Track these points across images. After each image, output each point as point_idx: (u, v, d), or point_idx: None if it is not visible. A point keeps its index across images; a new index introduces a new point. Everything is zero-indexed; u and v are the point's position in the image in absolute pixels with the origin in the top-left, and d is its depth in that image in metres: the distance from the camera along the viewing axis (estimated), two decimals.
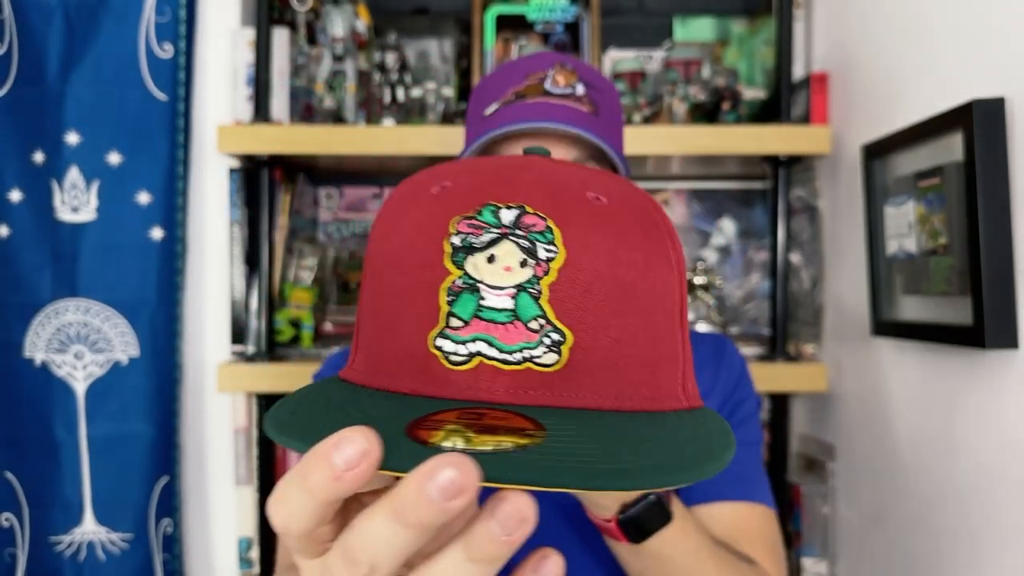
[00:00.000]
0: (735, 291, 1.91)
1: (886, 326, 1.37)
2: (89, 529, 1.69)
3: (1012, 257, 1.05)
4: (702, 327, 1.70)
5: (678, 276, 0.51)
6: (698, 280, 1.77)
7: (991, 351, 1.09)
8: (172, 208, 1.70)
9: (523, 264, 0.45)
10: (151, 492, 1.70)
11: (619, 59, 1.82)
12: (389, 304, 0.49)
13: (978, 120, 1.06)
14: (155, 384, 1.70)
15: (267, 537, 1.64)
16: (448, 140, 1.58)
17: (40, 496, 1.69)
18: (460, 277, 0.46)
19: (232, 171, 1.69)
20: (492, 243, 0.46)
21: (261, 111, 1.59)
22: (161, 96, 1.70)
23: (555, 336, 0.45)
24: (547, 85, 1.01)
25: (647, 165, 1.77)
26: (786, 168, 1.64)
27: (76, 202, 1.68)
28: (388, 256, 0.50)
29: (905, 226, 1.28)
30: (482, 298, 0.45)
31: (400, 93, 1.75)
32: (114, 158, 1.69)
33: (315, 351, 1.68)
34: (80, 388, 1.69)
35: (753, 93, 1.77)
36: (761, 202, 1.91)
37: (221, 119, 1.72)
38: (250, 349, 1.66)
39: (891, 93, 1.40)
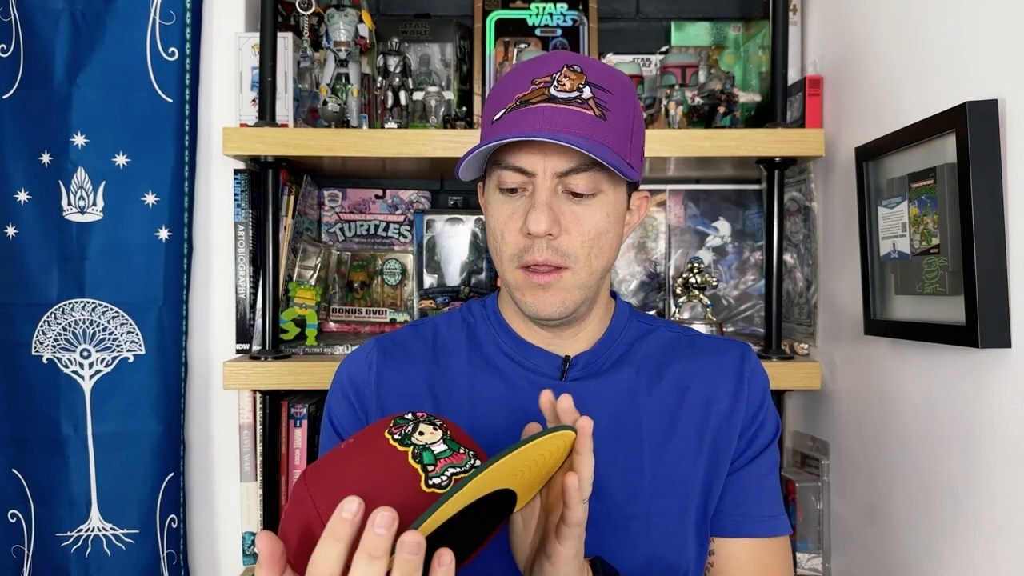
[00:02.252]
0: (730, 291, 1.94)
1: (879, 325, 1.39)
2: (95, 525, 1.71)
3: (1005, 257, 1.08)
4: (698, 327, 1.72)
5: None
6: (694, 280, 1.80)
7: (984, 350, 1.11)
8: (178, 209, 1.73)
9: (434, 429, 0.82)
10: (157, 488, 1.72)
11: (617, 63, 1.84)
12: (381, 495, 0.75)
13: (972, 121, 1.09)
14: (161, 382, 1.72)
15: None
16: (449, 143, 1.60)
17: (47, 492, 1.71)
18: (413, 449, 0.78)
19: (237, 173, 1.72)
20: (415, 428, 0.81)
21: (266, 114, 1.61)
22: (167, 98, 1.72)
23: (472, 452, 0.81)
24: (552, 90, 1.01)
25: (645, 167, 1.79)
26: (780, 170, 1.66)
27: (83, 203, 1.70)
28: (359, 478, 0.77)
29: (898, 227, 1.30)
30: (433, 449, 0.79)
31: (402, 97, 1.78)
32: (120, 159, 1.71)
33: (319, 349, 1.70)
34: (87, 386, 1.71)
35: (748, 97, 1.80)
36: (756, 203, 1.95)
37: (226, 121, 1.75)
38: (255, 347, 1.68)
39: (884, 96, 1.43)
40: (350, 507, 0.68)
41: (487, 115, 1.08)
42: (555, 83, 1.01)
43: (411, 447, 0.78)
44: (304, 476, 0.81)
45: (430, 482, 0.76)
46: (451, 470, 0.77)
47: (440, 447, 0.79)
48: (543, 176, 1.00)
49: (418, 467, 0.76)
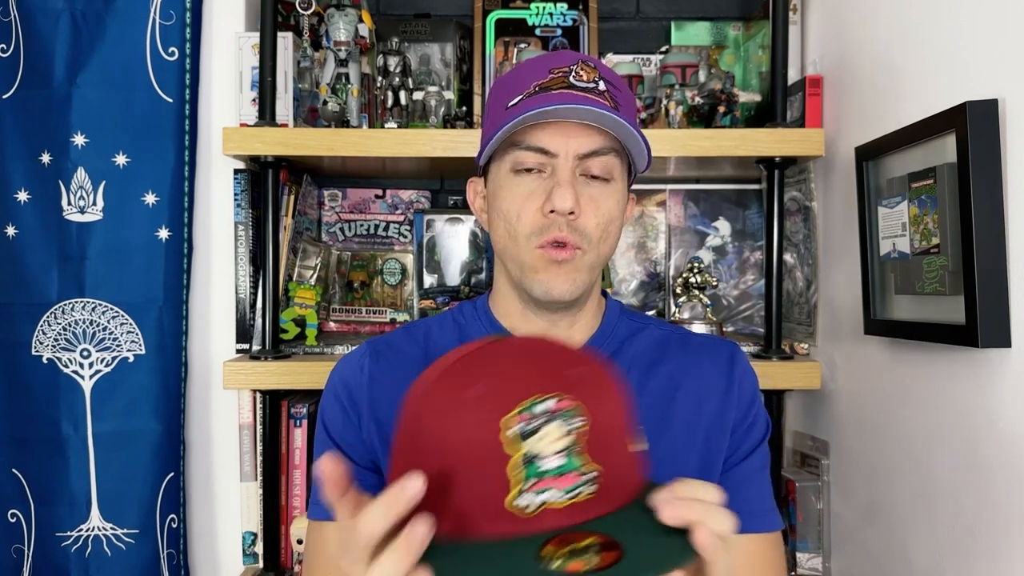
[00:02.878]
0: (730, 291, 1.94)
1: (879, 325, 1.39)
2: (95, 525, 1.71)
3: (1005, 257, 1.08)
4: (698, 327, 1.72)
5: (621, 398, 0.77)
6: (694, 280, 1.80)
7: (984, 350, 1.12)
8: (178, 209, 1.73)
9: (564, 435, 0.69)
10: (157, 488, 1.72)
11: (617, 63, 1.84)
12: (465, 487, 0.70)
13: (972, 121, 1.09)
14: (161, 381, 1.72)
15: (271, 532, 1.66)
16: (449, 143, 1.60)
17: (47, 492, 1.71)
18: (522, 455, 0.68)
19: (237, 172, 1.72)
20: (542, 424, 0.69)
21: (266, 114, 1.61)
22: (167, 98, 1.72)
23: (593, 472, 0.70)
24: (571, 79, 1.04)
25: None
26: (780, 170, 1.66)
27: (83, 203, 1.70)
28: (448, 451, 0.70)
29: (898, 226, 1.31)
30: (540, 463, 0.68)
31: (402, 96, 1.78)
32: (120, 159, 1.71)
33: (319, 349, 1.70)
34: (87, 386, 1.71)
35: (748, 96, 1.80)
36: (756, 203, 1.95)
37: (226, 121, 1.75)
38: (255, 347, 1.68)
39: (884, 96, 1.43)
40: (413, 486, 0.65)
41: (499, 101, 1.08)
42: (573, 73, 1.04)
43: (521, 452, 0.68)
44: (415, 395, 0.76)
45: (515, 502, 0.68)
46: (547, 495, 0.68)
47: (554, 462, 0.69)
48: (565, 157, 1.02)
49: (513, 478, 0.68)
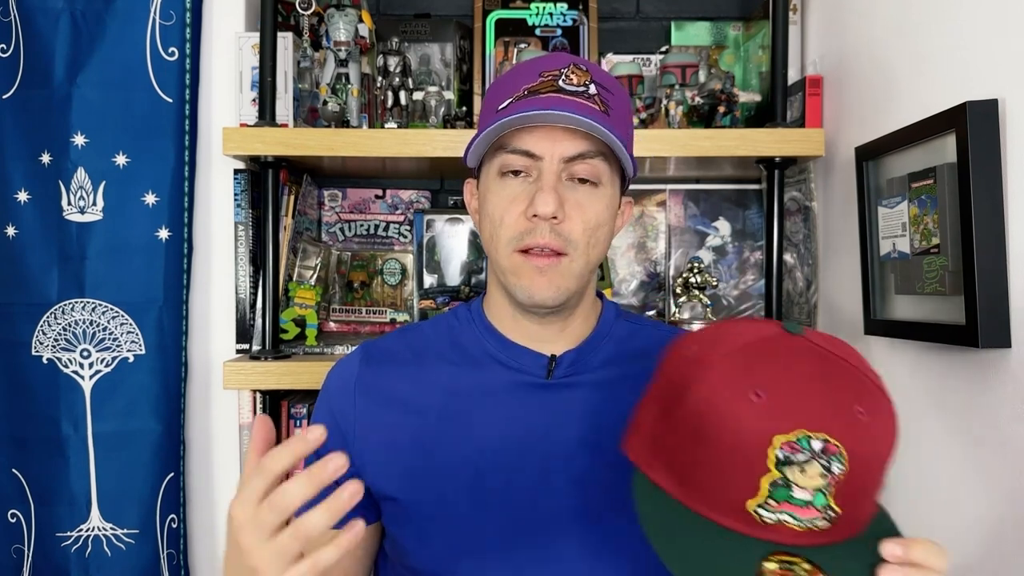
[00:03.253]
0: (730, 291, 1.94)
1: (879, 325, 1.39)
2: (95, 525, 1.71)
3: (1005, 257, 1.08)
4: (698, 327, 1.72)
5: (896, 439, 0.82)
6: (694, 280, 1.80)
7: (984, 350, 1.11)
8: (178, 209, 1.73)
9: (822, 476, 0.73)
10: (157, 488, 1.72)
11: (617, 63, 1.84)
12: (715, 470, 0.77)
13: (972, 121, 1.09)
14: (161, 382, 1.72)
15: None
16: (449, 143, 1.60)
17: (47, 492, 1.71)
18: (780, 477, 0.73)
19: (237, 172, 1.72)
20: (806, 462, 0.72)
21: (266, 114, 1.61)
22: (167, 98, 1.72)
23: (832, 514, 0.75)
24: (561, 82, 1.03)
25: (645, 167, 1.79)
26: (780, 170, 1.66)
27: (83, 203, 1.71)
28: (723, 440, 0.75)
29: (898, 227, 1.31)
30: (791, 491, 0.73)
31: (402, 96, 1.78)
32: (120, 159, 1.71)
33: (319, 349, 1.70)
34: (87, 386, 1.71)
35: (748, 96, 1.80)
36: (756, 203, 1.95)
37: (226, 121, 1.75)
38: (255, 347, 1.68)
39: (884, 96, 1.43)
40: (316, 433, 0.79)
41: (490, 104, 1.09)
42: (563, 77, 1.04)
43: (777, 475, 0.73)
44: (689, 357, 0.83)
45: (756, 509, 0.74)
46: (785, 517, 0.74)
47: (803, 495, 0.73)
48: (550, 160, 1.02)
49: (762, 489, 0.74)
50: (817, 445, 0.72)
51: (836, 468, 0.73)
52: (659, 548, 0.78)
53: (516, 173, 1.04)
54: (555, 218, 1.01)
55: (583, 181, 1.04)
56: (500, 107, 1.05)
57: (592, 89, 1.04)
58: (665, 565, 0.77)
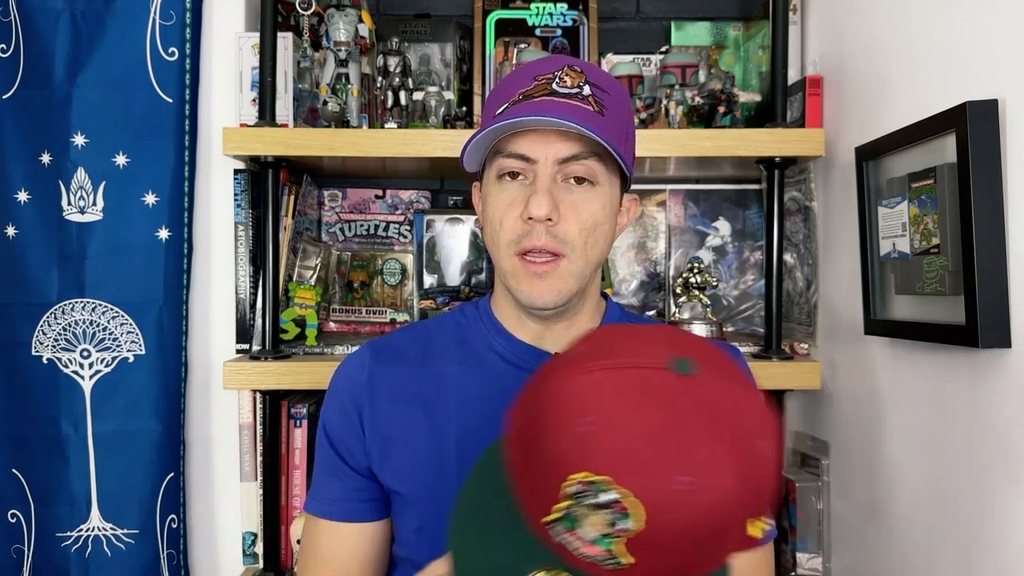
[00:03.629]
0: (730, 291, 1.94)
1: (879, 325, 1.39)
2: (95, 525, 1.71)
3: (1005, 257, 1.08)
4: (698, 327, 1.72)
5: (734, 513, 0.74)
6: (694, 280, 1.80)
7: (984, 350, 1.11)
8: (178, 209, 1.73)
9: (608, 525, 0.69)
10: (157, 488, 1.72)
11: (617, 63, 1.84)
12: (535, 468, 0.76)
13: (972, 121, 1.09)
14: (161, 382, 1.72)
15: (271, 532, 1.66)
16: (449, 143, 1.60)
17: (47, 492, 1.71)
18: (569, 508, 0.71)
19: (237, 172, 1.72)
20: (592, 507, 0.69)
21: (266, 114, 1.61)
22: (167, 98, 1.72)
23: (623, 561, 0.71)
24: (554, 85, 1.04)
25: (645, 167, 1.79)
26: (780, 170, 1.66)
27: (83, 203, 1.71)
28: (544, 447, 0.74)
29: (898, 227, 1.31)
30: (579, 524, 0.71)
31: (402, 97, 1.78)
32: (120, 159, 1.71)
33: (319, 349, 1.70)
34: (87, 386, 1.71)
35: (748, 96, 1.80)
36: (756, 203, 1.95)
37: (226, 121, 1.75)
38: (255, 347, 1.68)
39: (884, 96, 1.43)
40: None
41: (489, 110, 1.10)
42: (557, 80, 1.05)
43: (568, 504, 0.71)
44: (555, 362, 0.81)
45: (548, 524, 0.73)
46: (574, 544, 0.72)
47: (590, 533, 0.71)
48: (544, 163, 1.03)
49: (554, 512, 0.73)
50: (606, 498, 0.69)
51: (622, 525, 0.69)
52: (458, 510, 0.81)
53: (513, 176, 1.06)
54: (550, 220, 1.02)
55: (580, 182, 1.05)
56: (497, 112, 1.06)
57: (586, 90, 1.04)
58: (451, 523, 0.80)
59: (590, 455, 0.71)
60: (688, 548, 0.72)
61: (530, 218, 1.02)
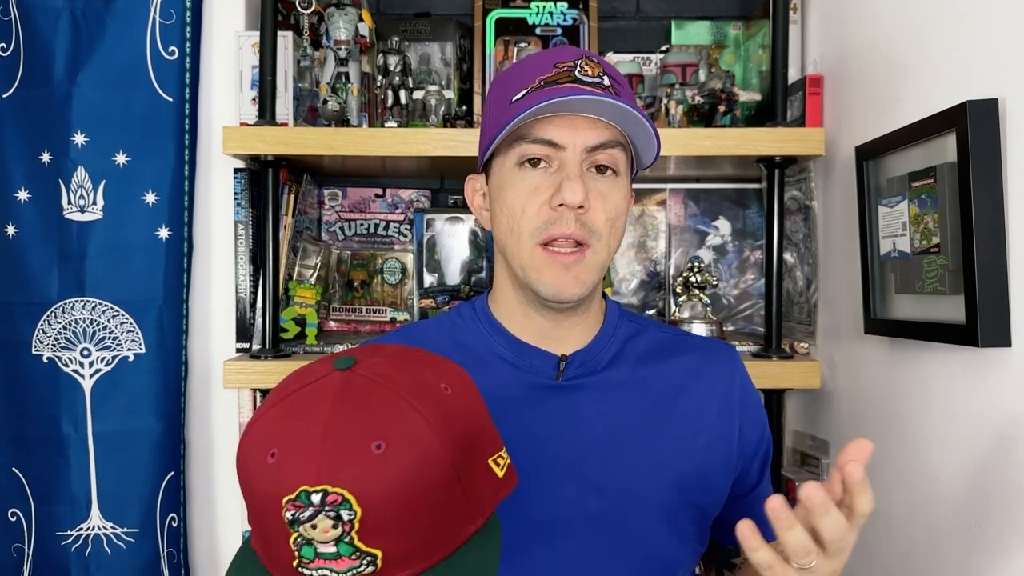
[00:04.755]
0: (730, 290, 1.94)
1: (879, 324, 1.39)
2: (96, 524, 1.71)
3: (1005, 256, 1.08)
4: (698, 326, 1.72)
5: (442, 455, 0.74)
6: (694, 279, 1.80)
7: (984, 349, 1.11)
8: (178, 208, 1.73)
9: (335, 527, 0.70)
10: (157, 487, 1.72)
11: (617, 62, 1.84)
12: (262, 531, 0.77)
13: (972, 120, 1.09)
14: (161, 381, 1.72)
15: None
16: (449, 142, 1.60)
17: (47, 491, 1.71)
18: (298, 536, 0.71)
19: (237, 172, 1.72)
20: (312, 517, 0.70)
21: (266, 113, 1.61)
22: (167, 97, 1.72)
23: (369, 558, 0.72)
24: (577, 73, 1.03)
25: None
26: (781, 169, 1.66)
27: (83, 202, 1.70)
28: (254, 503, 0.75)
29: (898, 226, 1.30)
30: (316, 547, 0.71)
31: (402, 96, 1.78)
32: (121, 159, 1.71)
33: (319, 348, 1.70)
34: (87, 385, 1.71)
35: (749, 96, 1.80)
36: (756, 202, 1.95)
37: (226, 120, 1.74)
38: (255, 346, 1.68)
39: (884, 95, 1.43)
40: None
41: (502, 96, 1.07)
42: (579, 68, 1.04)
43: (295, 534, 0.72)
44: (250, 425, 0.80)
45: (300, 569, 0.73)
46: (326, 571, 0.72)
47: (328, 548, 0.72)
48: (573, 150, 1.02)
49: (295, 551, 0.73)
50: (317, 498, 0.70)
51: (346, 515, 0.70)
52: None
53: (535, 163, 1.03)
54: (581, 208, 1.01)
55: (603, 171, 1.04)
56: (515, 98, 1.04)
57: (606, 80, 1.04)
58: None
59: (283, 477, 0.72)
60: (425, 510, 0.73)
61: (560, 205, 1.00)
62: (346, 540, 0.71)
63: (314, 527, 0.71)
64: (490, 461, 0.80)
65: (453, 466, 0.75)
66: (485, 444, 0.80)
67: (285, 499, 0.71)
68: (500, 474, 0.80)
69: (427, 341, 1.15)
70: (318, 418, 0.74)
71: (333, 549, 0.71)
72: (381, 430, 0.73)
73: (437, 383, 0.79)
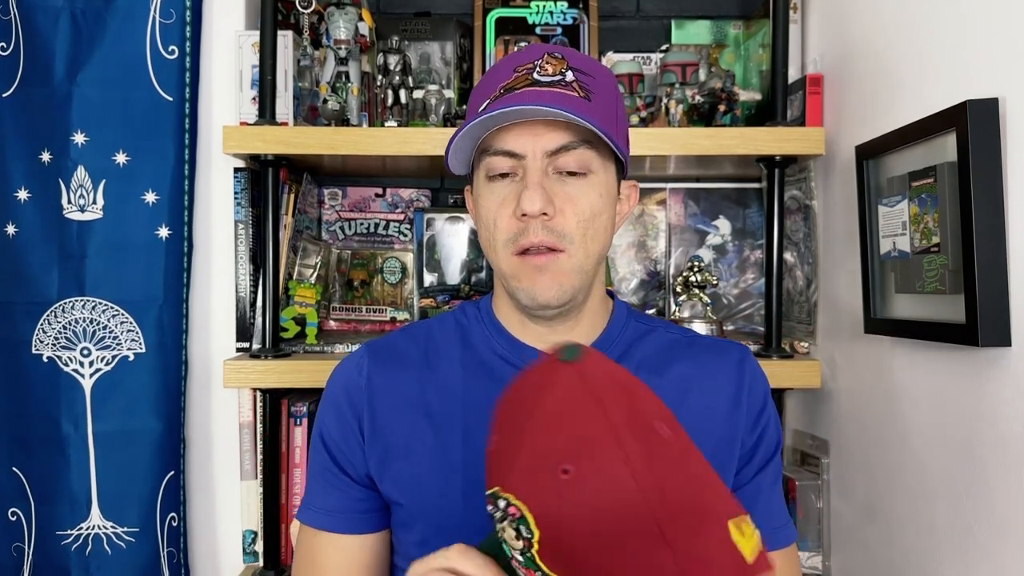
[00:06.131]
0: (730, 289, 1.94)
1: (879, 324, 1.39)
2: (96, 523, 1.71)
3: (1005, 256, 1.08)
4: (698, 326, 1.72)
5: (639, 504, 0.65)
6: (694, 279, 1.80)
7: (984, 349, 1.11)
8: (178, 207, 1.73)
9: (517, 539, 0.67)
10: (157, 486, 1.72)
11: (617, 62, 1.84)
12: None
13: (972, 120, 1.09)
14: (161, 380, 1.72)
15: (271, 530, 1.66)
16: None
17: (47, 491, 1.71)
18: (498, 534, 0.70)
19: (237, 171, 1.72)
20: (501, 521, 0.68)
21: (266, 112, 1.61)
22: (167, 97, 1.72)
23: None
24: (535, 75, 1.01)
25: (645, 166, 1.80)
26: (781, 168, 1.66)
27: (83, 201, 1.70)
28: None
29: (898, 225, 1.31)
30: (509, 552, 0.70)
31: (403, 95, 1.78)
32: (121, 158, 1.71)
33: (319, 347, 1.70)
34: (87, 384, 1.71)
35: (749, 95, 1.80)
36: (756, 202, 1.95)
37: (226, 120, 1.74)
38: (255, 346, 1.68)
39: (885, 94, 1.43)
40: None
41: (471, 109, 1.07)
42: (537, 69, 1.01)
43: (496, 532, 0.70)
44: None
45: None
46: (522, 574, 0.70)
47: (518, 555, 0.68)
48: (533, 157, 1.00)
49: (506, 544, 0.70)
50: (502, 504, 0.67)
51: (525, 532, 0.65)
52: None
53: (504, 175, 1.02)
54: (545, 215, 0.98)
55: (572, 173, 1.01)
56: (480, 109, 1.02)
57: (569, 76, 1.01)
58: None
59: (491, 469, 0.72)
60: (603, 551, 0.64)
61: (524, 215, 0.98)
62: (531, 554, 0.66)
63: (504, 531, 0.68)
64: (743, 524, 0.68)
65: (655, 521, 0.64)
66: (715, 503, 0.70)
67: (489, 492, 0.70)
68: (746, 544, 0.68)
69: (435, 341, 1.14)
70: (535, 415, 0.69)
71: (522, 558, 0.68)
72: (577, 454, 0.65)
73: (653, 418, 0.69)
